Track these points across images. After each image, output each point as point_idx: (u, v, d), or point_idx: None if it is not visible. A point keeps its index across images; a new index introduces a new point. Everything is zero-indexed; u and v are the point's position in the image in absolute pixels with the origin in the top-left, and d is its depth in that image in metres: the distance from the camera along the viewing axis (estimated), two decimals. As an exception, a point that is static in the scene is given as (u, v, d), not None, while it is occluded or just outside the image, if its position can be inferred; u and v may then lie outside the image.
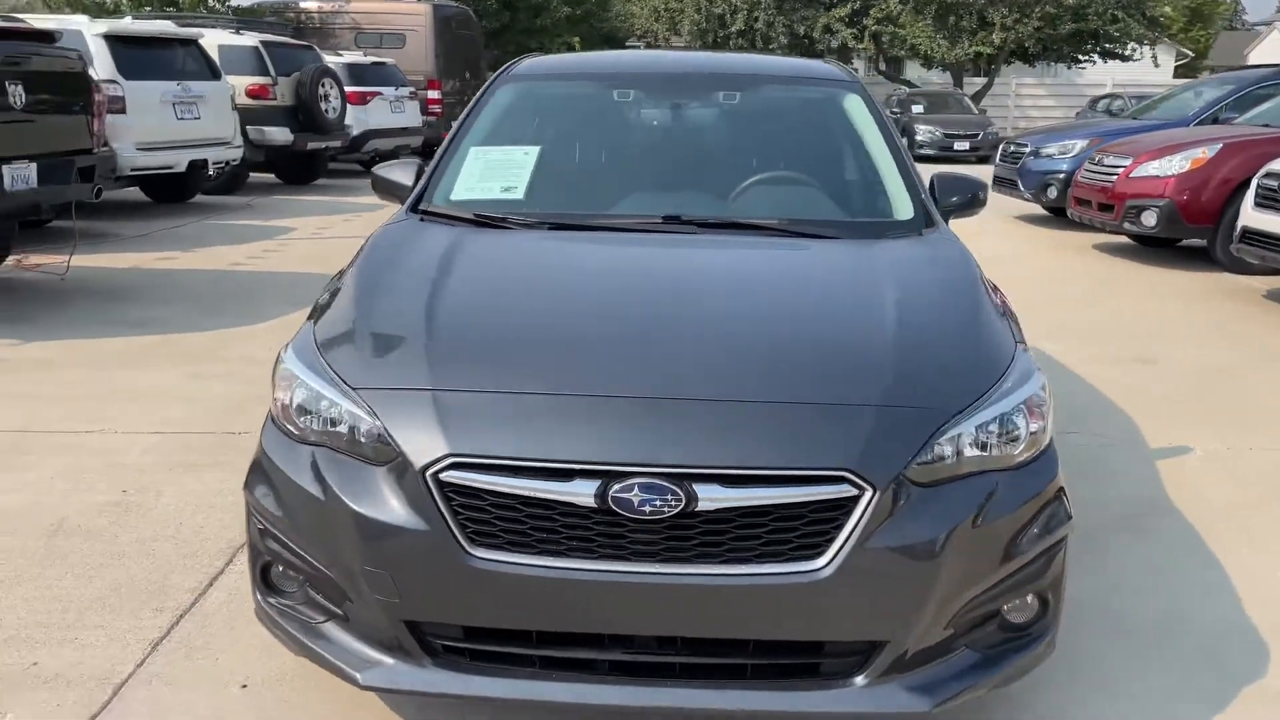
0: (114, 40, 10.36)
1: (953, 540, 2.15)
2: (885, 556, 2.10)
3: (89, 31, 10.26)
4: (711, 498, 2.08)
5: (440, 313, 2.55)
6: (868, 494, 2.10)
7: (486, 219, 3.16)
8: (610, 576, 2.09)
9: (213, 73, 11.39)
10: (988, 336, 2.55)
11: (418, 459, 2.14)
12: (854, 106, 3.74)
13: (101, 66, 10.05)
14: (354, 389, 2.29)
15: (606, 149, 3.70)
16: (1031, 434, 2.34)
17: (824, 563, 2.09)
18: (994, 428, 2.28)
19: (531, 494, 2.10)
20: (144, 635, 2.83)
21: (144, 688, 2.61)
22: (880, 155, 3.52)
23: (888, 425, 2.19)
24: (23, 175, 6.57)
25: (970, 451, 2.23)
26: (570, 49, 24.79)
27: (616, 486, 2.06)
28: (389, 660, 2.23)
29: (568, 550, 2.10)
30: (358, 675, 2.23)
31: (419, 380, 2.29)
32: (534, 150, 3.52)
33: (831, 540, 2.10)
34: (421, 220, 3.19)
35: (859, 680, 2.18)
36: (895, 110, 22.64)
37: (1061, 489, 2.37)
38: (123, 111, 10.11)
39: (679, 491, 2.06)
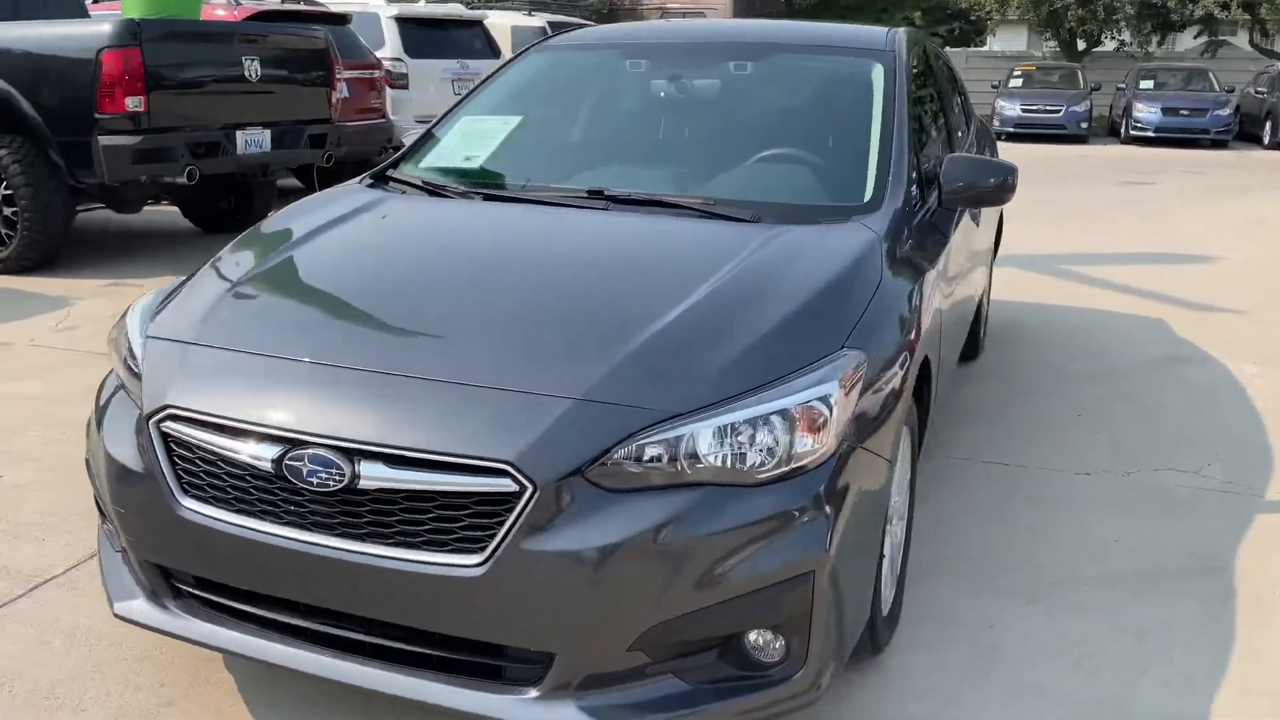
0: (404, 22, 11.38)
1: (623, 553, 1.93)
2: (543, 560, 1.94)
3: (383, 14, 11.35)
4: (373, 476, 2.01)
5: (263, 272, 2.63)
6: (528, 491, 1.94)
7: (427, 186, 3.20)
8: (292, 544, 2.08)
9: (493, 51, 12.17)
10: (792, 335, 2.24)
11: (145, 407, 2.24)
12: (872, 78, 3.38)
13: (390, 45, 11.11)
14: (145, 336, 2.43)
15: (591, 121, 3.59)
16: (792, 448, 2.04)
17: (480, 559, 1.96)
18: (743, 434, 2.02)
19: (227, 453, 2.13)
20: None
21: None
22: (871, 133, 3.16)
23: (576, 420, 2.01)
24: (256, 139, 7.41)
25: (707, 455, 2.00)
26: (910, 23, 23.86)
27: (291, 454, 2.05)
28: (140, 596, 2.36)
29: (259, 512, 2.12)
30: (114, 603, 2.38)
31: (187, 332, 2.38)
32: (514, 120, 3.50)
33: (493, 536, 1.96)
34: (369, 186, 3.26)
35: (532, 692, 2.03)
36: (1261, 90, 19.78)
37: (825, 515, 2.05)
38: (405, 87, 11.13)
39: (343, 466, 2.02)
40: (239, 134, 7.24)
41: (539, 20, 14.08)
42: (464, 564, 1.97)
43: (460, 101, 3.67)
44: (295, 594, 2.15)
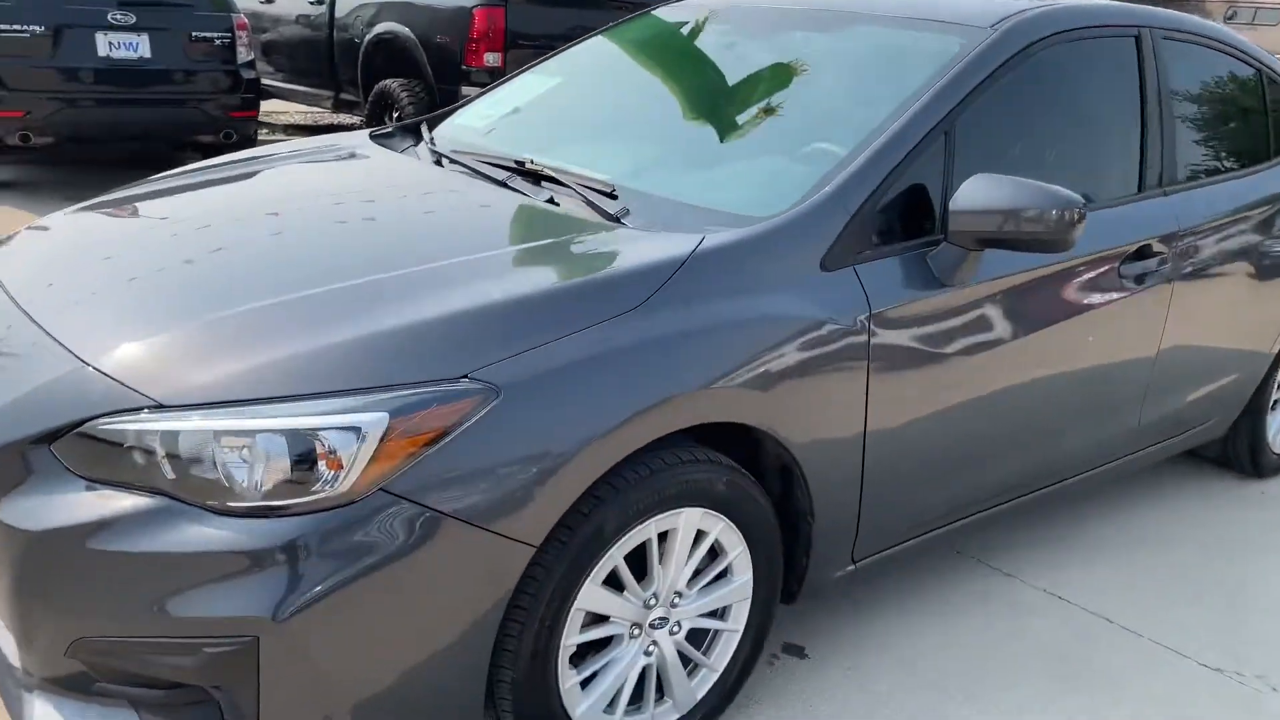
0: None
1: (48, 542, 1.69)
2: None
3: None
4: None
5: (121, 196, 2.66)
6: None
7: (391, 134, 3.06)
8: None
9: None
10: (418, 346, 1.79)
11: None
12: (934, 56, 2.57)
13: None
14: None
15: (606, 91, 3.12)
16: (287, 480, 1.64)
17: None
18: (233, 447, 1.67)
19: None
20: None
21: None
22: (857, 134, 2.40)
23: (70, 386, 1.80)
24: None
25: (184, 460, 1.68)
26: None
27: None
28: None
29: None
30: None
31: None
32: (547, 84, 3.19)
33: None
34: (370, 137, 3.16)
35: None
36: None
37: (298, 573, 1.62)
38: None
39: None
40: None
41: None
42: None
43: (538, 61, 3.42)
44: None
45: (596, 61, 3.28)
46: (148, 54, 7.26)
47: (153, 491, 1.69)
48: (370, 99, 7.74)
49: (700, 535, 2.13)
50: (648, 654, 2.13)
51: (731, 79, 2.90)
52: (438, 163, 2.79)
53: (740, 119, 2.74)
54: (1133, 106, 2.96)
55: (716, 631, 2.25)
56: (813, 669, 2.57)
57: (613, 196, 2.41)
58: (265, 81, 9.14)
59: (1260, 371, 3.54)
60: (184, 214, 2.48)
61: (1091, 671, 2.65)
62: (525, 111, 3.12)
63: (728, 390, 2.01)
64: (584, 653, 2.07)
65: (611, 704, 2.11)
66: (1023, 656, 2.69)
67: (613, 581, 2.03)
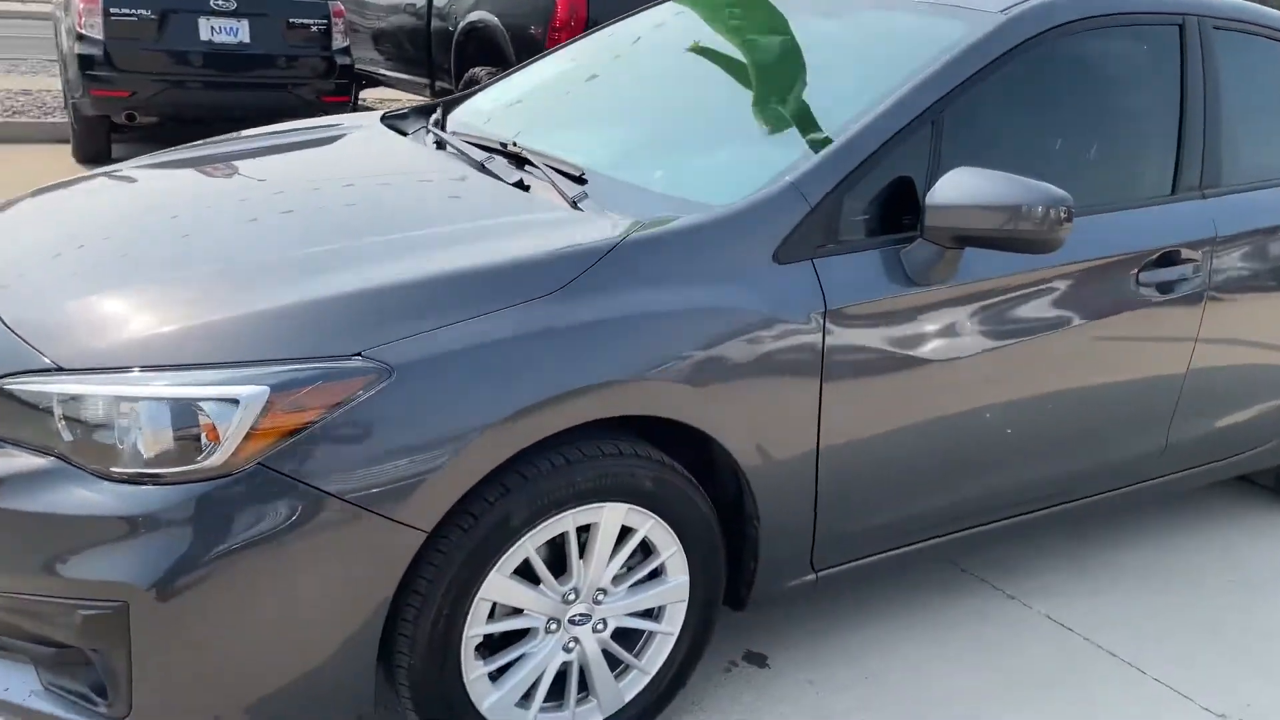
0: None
1: None
2: None
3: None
4: None
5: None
6: None
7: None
8: None
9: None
10: (317, 319, 1.78)
11: None
12: (933, 42, 2.43)
13: None
14: None
15: (622, 77, 3.03)
16: (166, 449, 1.65)
17: None
18: (116, 413, 1.68)
19: None
20: None
21: None
22: (847, 115, 2.29)
23: None
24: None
25: (81, 423, 1.70)
26: None
27: None
28: None
29: None
30: None
31: None
32: (559, 69, 3.14)
33: None
34: (381, 118, 3.16)
35: None
36: None
37: (172, 542, 1.63)
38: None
39: None
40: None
41: None
42: None
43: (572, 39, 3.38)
44: None
45: (607, 48, 3.21)
46: (247, 39, 7.50)
47: (47, 452, 1.72)
48: (460, 86, 7.85)
49: (628, 532, 2.05)
50: (568, 650, 2.06)
51: (730, 65, 2.80)
52: (439, 145, 2.78)
53: (729, 106, 2.64)
54: (1170, 102, 2.74)
55: (650, 633, 2.18)
56: (770, 679, 2.46)
57: (581, 181, 2.35)
58: (372, 70, 9.38)
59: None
60: (158, 189, 2.53)
61: (1080, 706, 2.47)
62: (532, 97, 3.08)
63: (653, 384, 1.93)
64: (500, 644, 2.03)
65: (527, 698, 2.05)
66: (1006, 684, 2.52)
67: (529, 573, 1.98)
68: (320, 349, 1.73)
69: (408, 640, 1.86)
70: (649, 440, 2.05)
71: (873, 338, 2.19)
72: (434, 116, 3.08)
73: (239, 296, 1.84)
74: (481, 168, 2.48)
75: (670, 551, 2.11)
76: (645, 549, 2.11)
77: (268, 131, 3.08)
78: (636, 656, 2.17)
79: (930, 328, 2.27)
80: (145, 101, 7.26)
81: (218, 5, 7.34)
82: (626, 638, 2.17)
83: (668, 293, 1.99)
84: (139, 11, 7.19)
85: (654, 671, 2.18)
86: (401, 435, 1.73)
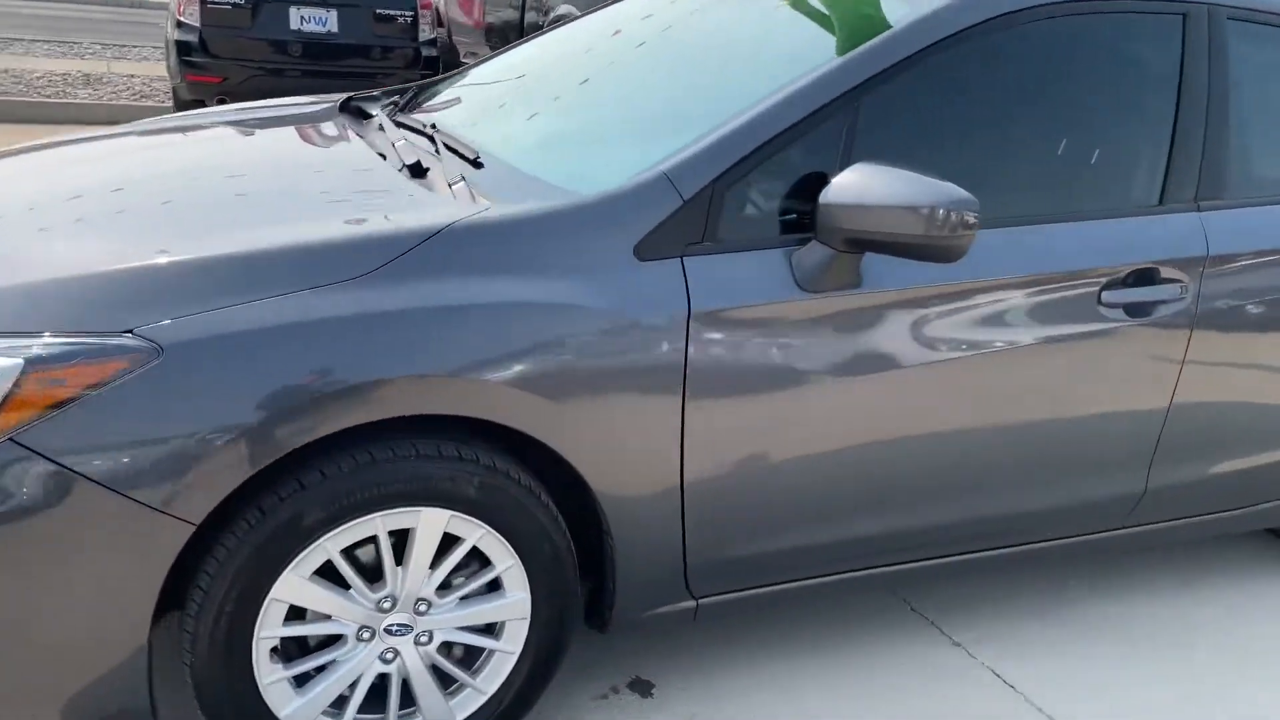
0: None
1: None
2: None
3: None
4: None
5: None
6: None
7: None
8: None
9: None
10: (61, 296, 1.70)
11: None
12: (871, 23, 2.20)
13: None
14: None
15: (569, 64, 2.86)
16: None
17: None
18: None
19: None
20: None
21: None
22: (749, 98, 2.09)
23: None
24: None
25: None
26: None
27: None
28: None
29: None
30: None
31: None
32: (521, 58, 3.02)
33: None
34: (336, 106, 3.08)
35: None
36: None
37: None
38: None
39: None
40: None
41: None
42: None
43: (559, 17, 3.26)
44: None
45: (566, 35, 3.07)
46: (335, 28, 7.65)
47: None
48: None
49: (455, 541, 1.91)
50: (385, 660, 1.93)
51: (667, 49, 2.62)
52: (380, 129, 2.69)
53: (649, 92, 2.45)
54: (1163, 103, 2.42)
55: (490, 650, 2.03)
56: (648, 710, 2.27)
57: (478, 165, 2.23)
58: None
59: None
60: (35, 166, 2.50)
61: (995, 773, 2.20)
62: (483, 84, 2.96)
63: (472, 383, 1.79)
64: (311, 649, 1.92)
65: (339, 707, 1.93)
66: (918, 741, 2.27)
67: (344, 576, 1.86)
68: (87, 323, 1.65)
69: (190, 637, 1.77)
70: (510, 445, 1.92)
71: (748, 347, 1.99)
72: (397, 99, 3.01)
73: (18, 268, 1.78)
74: (381, 154, 2.38)
75: (507, 565, 1.96)
76: (485, 560, 1.97)
77: (233, 109, 3.05)
78: (473, 674, 2.02)
79: (822, 340, 2.04)
80: (235, 87, 7.48)
81: (308, -6, 7.51)
82: (468, 653, 2.04)
83: (501, 284, 1.84)
84: (233, 0, 7.42)
85: (491, 692, 2.04)
86: (169, 420, 1.63)
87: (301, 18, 7.55)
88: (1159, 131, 2.42)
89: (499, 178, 2.16)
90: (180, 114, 3.03)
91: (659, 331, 1.92)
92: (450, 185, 2.12)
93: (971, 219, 1.90)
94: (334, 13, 7.60)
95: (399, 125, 2.63)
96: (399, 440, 1.81)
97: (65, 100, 8.31)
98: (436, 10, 11.71)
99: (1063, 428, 2.35)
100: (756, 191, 2.05)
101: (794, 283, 2.01)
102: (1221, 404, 2.53)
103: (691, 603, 2.18)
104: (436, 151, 2.34)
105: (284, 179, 2.25)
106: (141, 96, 8.89)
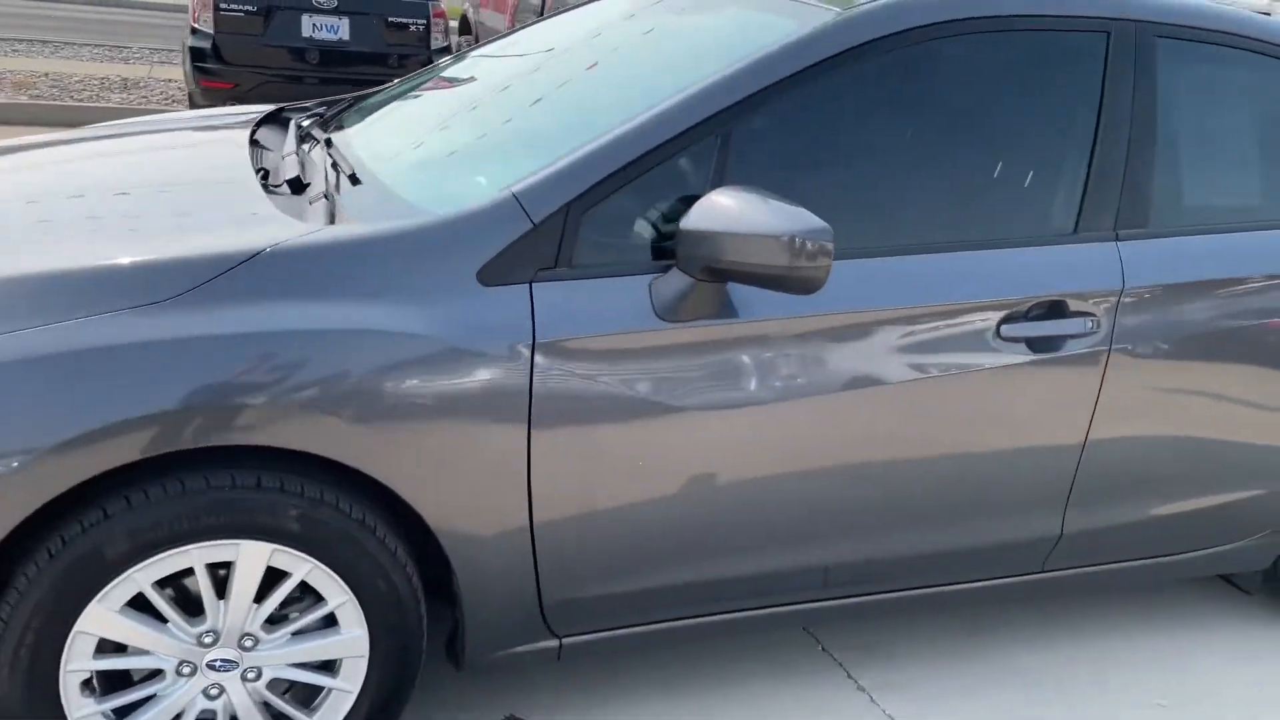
0: None
1: None
2: None
3: None
4: None
5: None
6: None
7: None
8: None
9: None
10: None
11: None
12: (751, 42, 2.10)
13: None
14: None
15: (493, 76, 2.77)
16: None
17: None
18: None
19: None
20: None
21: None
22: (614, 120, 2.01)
23: None
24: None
25: None
26: None
27: None
28: None
29: None
30: None
31: None
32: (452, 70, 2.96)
33: None
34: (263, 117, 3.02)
35: None
36: None
37: None
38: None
39: None
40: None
41: None
42: None
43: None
44: None
45: (488, 53, 3.00)
46: (347, 36, 7.68)
47: None
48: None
49: (282, 575, 1.84)
50: (210, 696, 1.87)
51: (569, 69, 2.52)
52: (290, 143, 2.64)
53: (537, 113, 2.36)
54: (1080, 126, 2.28)
55: (328, 688, 1.96)
56: (513, 752, 2.19)
57: (355, 181, 2.16)
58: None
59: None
60: None
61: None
62: (402, 100, 2.89)
63: (288, 413, 1.72)
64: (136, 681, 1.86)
65: (165, 743, 1.88)
66: (797, 794, 2.16)
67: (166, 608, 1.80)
68: None
69: (-8, 667, 1.72)
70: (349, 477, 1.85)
71: (602, 380, 1.90)
72: (324, 111, 2.96)
73: None
74: (263, 171, 2.32)
75: (340, 601, 1.89)
76: (320, 595, 1.90)
77: (170, 117, 3.02)
78: (310, 712, 1.95)
79: (684, 374, 1.94)
80: (248, 94, 7.53)
81: (319, 3, 7.54)
82: (308, 691, 1.97)
83: (323, 309, 1.77)
84: (246, 7, 7.47)
85: (329, 731, 1.97)
86: None
87: (314, 25, 7.58)
88: (1075, 157, 2.28)
89: (365, 198, 2.09)
90: (117, 122, 3.01)
91: (499, 361, 1.83)
92: (311, 204, 2.06)
93: (826, 248, 1.79)
94: (346, 20, 7.63)
95: (304, 140, 2.58)
96: (215, 470, 1.75)
97: (97, 104, 8.45)
98: (465, 17, 11.77)
99: (962, 465, 2.22)
100: (619, 216, 1.96)
101: (651, 311, 1.92)
102: (1145, 444, 2.38)
103: (554, 642, 2.09)
104: (334, 168, 2.28)
105: (152, 198, 2.20)
106: (173, 101, 9.02)
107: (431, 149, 2.37)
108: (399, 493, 1.82)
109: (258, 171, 2.30)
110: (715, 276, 1.88)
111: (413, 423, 1.80)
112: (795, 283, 1.81)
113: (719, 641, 2.57)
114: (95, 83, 9.42)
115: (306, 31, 7.59)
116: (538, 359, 1.85)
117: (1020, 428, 2.24)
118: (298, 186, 2.20)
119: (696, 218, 1.86)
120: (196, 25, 7.51)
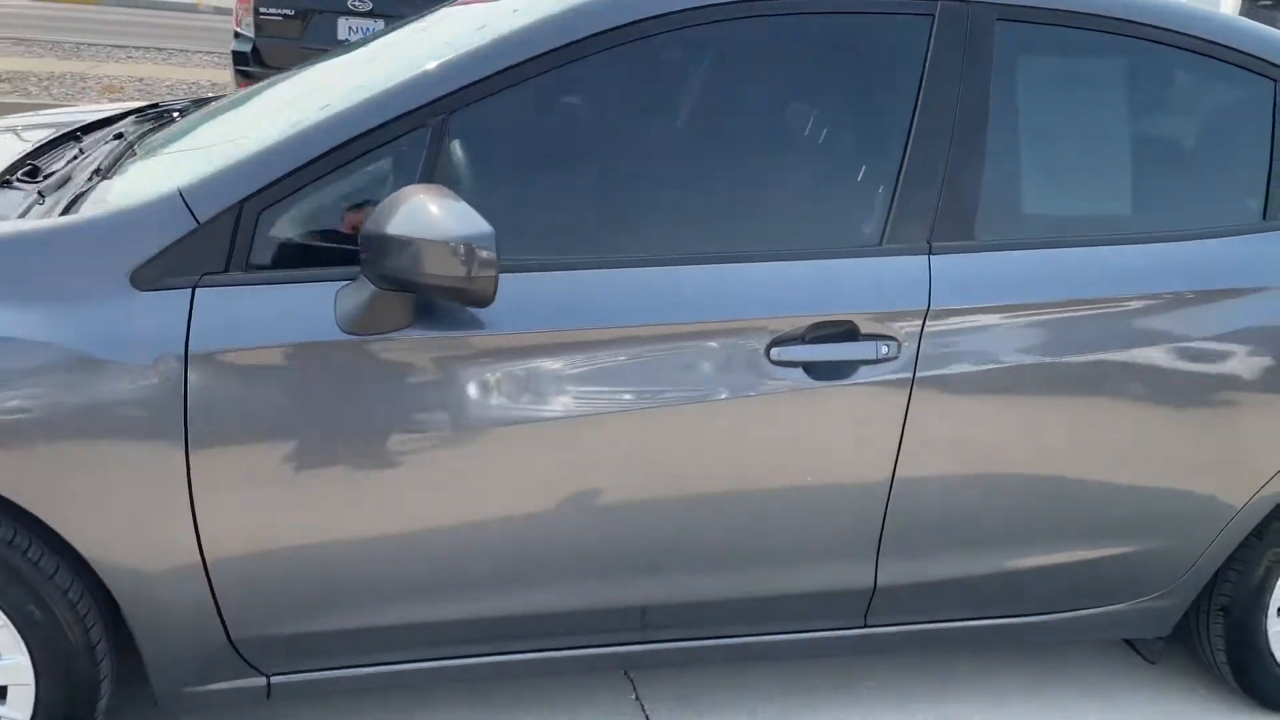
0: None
1: None
2: None
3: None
4: None
5: None
6: None
7: None
8: None
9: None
10: None
11: None
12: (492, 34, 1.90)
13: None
14: None
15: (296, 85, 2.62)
16: None
17: None
18: None
19: None
20: None
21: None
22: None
23: None
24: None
25: None
26: None
27: None
28: None
29: None
30: None
31: None
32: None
33: None
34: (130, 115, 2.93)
35: None
36: None
37: None
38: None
39: None
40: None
41: None
42: None
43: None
44: None
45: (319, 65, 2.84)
46: (381, 38, 7.70)
47: None
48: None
49: (-76, 597, 1.73)
50: None
51: (348, 76, 2.34)
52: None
53: (277, 119, 2.17)
54: (890, 126, 1.99)
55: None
56: (231, 794, 2.03)
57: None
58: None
59: (1226, 539, 2.27)
60: None
61: None
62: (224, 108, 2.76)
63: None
64: None
65: None
66: None
67: None
68: None
69: None
70: None
71: (274, 397, 1.72)
72: (172, 113, 2.85)
73: None
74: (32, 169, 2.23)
75: (-7, 627, 1.77)
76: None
77: (46, 114, 2.98)
78: (-23, 740, 1.84)
79: (367, 390, 1.75)
80: (286, 96, 7.64)
81: (354, 6, 7.59)
82: (-22, 716, 1.86)
83: None
84: (284, 11, 7.58)
85: (-3, 761, 1.85)
86: None
87: (349, 28, 7.63)
88: (882, 160, 1.99)
89: (60, 199, 1.96)
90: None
91: (143, 373, 1.68)
92: (26, 202, 1.95)
93: (484, 257, 1.58)
94: (381, 24, 7.65)
95: (118, 138, 2.47)
96: None
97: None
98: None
99: (749, 503, 1.96)
100: (306, 216, 1.78)
101: (333, 322, 1.74)
102: (969, 488, 2.06)
103: (261, 680, 1.92)
104: (99, 170, 2.17)
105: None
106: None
107: (170, 156, 2.23)
108: (41, 517, 1.69)
109: (18, 166, 2.21)
110: (392, 286, 1.69)
111: (49, 442, 1.66)
112: (465, 295, 1.62)
113: (501, 684, 2.36)
114: (185, 88, 9.75)
115: (343, 34, 7.64)
116: (192, 372, 1.69)
117: (810, 464, 1.97)
118: (34, 179, 2.10)
119: (374, 219, 1.67)
120: (239, 29, 7.65)
